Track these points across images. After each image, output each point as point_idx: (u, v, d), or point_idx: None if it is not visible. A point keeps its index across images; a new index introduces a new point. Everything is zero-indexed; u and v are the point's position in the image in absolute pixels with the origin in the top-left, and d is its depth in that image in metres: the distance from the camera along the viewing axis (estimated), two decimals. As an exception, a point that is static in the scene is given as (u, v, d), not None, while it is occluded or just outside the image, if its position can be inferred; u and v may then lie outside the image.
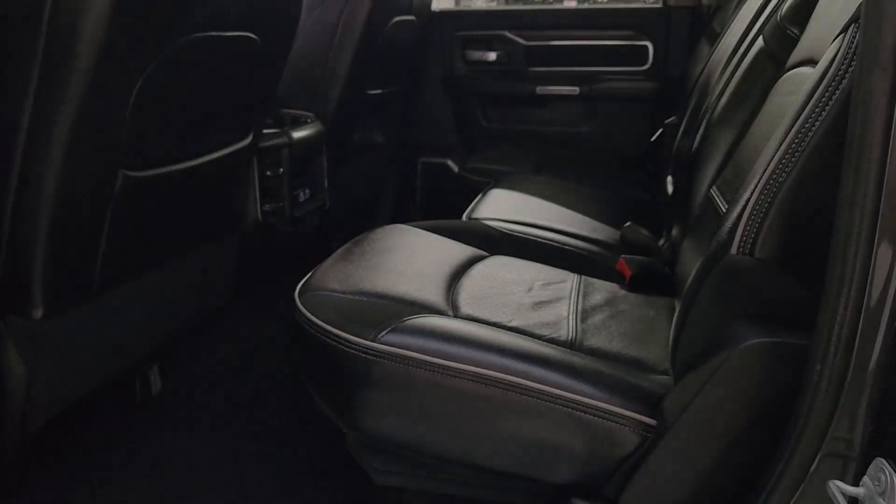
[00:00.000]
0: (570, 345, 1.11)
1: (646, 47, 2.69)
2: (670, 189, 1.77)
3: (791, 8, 1.28)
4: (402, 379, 1.01)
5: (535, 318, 1.16)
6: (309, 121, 2.01)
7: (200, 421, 1.67)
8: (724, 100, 1.47)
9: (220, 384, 1.81)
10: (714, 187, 1.19)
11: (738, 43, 1.61)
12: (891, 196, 0.66)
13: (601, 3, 3.26)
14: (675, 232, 1.52)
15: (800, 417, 0.74)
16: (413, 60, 2.67)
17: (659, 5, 2.70)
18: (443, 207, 2.43)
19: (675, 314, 1.06)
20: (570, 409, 0.95)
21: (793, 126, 0.84)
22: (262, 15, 1.36)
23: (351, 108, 2.18)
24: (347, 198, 2.39)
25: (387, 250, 1.35)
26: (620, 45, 2.71)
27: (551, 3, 3.37)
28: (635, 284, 1.39)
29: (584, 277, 1.39)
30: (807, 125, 0.82)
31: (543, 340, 1.10)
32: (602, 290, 1.34)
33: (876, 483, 0.67)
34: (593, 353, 1.10)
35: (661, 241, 1.60)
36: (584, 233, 1.71)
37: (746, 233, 0.85)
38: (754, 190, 0.86)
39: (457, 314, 1.15)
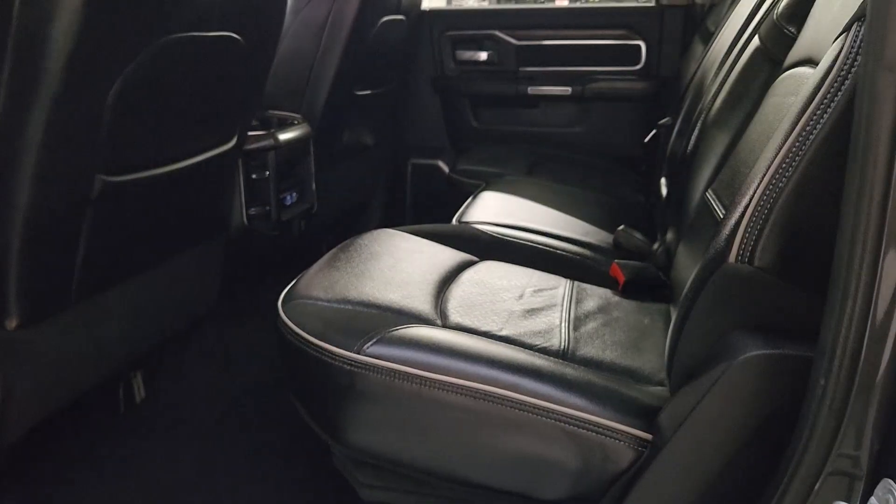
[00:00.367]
0: (563, 354, 1.07)
1: (638, 47, 2.66)
2: (664, 192, 1.74)
3: (788, 6, 1.25)
4: (387, 392, 0.98)
5: (526, 327, 1.13)
6: (296, 122, 1.97)
7: (185, 428, 1.64)
8: (719, 100, 1.44)
9: (204, 391, 1.79)
10: (710, 191, 1.16)
11: (732, 42, 1.58)
12: (898, 202, 0.63)
13: (593, 2, 3.24)
14: (669, 236, 1.49)
15: (803, 433, 0.71)
16: (402, 60, 2.64)
17: (651, 4, 2.68)
18: (433, 210, 2.40)
19: (672, 323, 1.03)
20: (562, 424, 0.92)
21: (793, 129, 0.80)
22: (244, 15, 1.33)
23: (339, 110, 2.15)
24: (336, 200, 2.35)
25: (374, 256, 1.31)
26: (613, 44, 2.68)
27: (543, 3, 3.35)
28: (629, 290, 1.36)
29: (576, 283, 1.36)
30: (808, 128, 0.78)
31: (535, 350, 1.07)
32: (595, 296, 1.31)
33: (884, 505, 0.64)
34: (586, 363, 1.06)
35: (656, 245, 1.57)
36: (577, 236, 1.68)
37: (745, 240, 0.81)
38: (753, 196, 0.82)
39: (445, 323, 1.12)
